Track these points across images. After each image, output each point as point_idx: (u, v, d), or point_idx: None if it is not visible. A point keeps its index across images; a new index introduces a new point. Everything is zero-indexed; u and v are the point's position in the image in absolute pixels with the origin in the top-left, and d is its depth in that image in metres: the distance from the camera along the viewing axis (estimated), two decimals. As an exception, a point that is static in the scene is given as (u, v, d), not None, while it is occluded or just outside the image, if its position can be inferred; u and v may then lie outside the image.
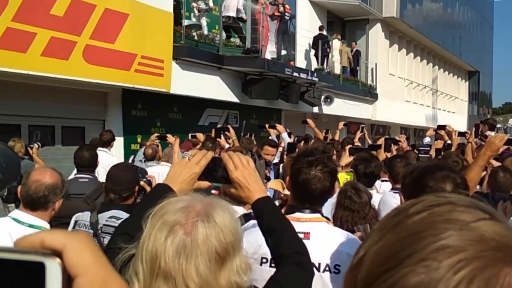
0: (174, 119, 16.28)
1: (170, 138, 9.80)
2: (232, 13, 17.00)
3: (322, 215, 3.26)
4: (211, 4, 17.11)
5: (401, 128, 33.21)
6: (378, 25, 29.83)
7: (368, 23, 29.69)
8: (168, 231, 1.67)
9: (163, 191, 2.18)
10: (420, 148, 9.65)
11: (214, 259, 1.67)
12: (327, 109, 22.33)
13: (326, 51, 22.88)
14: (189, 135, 10.82)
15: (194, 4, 16.89)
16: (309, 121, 11.69)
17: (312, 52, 22.82)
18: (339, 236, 3.16)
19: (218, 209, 1.75)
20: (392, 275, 0.78)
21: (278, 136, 10.48)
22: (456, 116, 43.46)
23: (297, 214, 3.11)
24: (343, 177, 6.42)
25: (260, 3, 18.05)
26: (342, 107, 23.76)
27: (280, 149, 9.39)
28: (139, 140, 14.40)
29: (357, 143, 10.76)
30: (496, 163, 6.64)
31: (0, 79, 10.72)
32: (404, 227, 0.84)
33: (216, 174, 2.37)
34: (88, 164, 6.64)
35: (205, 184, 2.46)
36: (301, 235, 2.80)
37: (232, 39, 17.41)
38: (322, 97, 21.49)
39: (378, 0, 29.39)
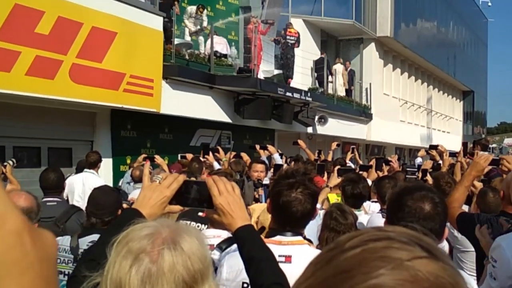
0: (165, 139, 15.98)
1: (158, 159, 9.52)
2: (224, 52, 17.16)
3: (304, 237, 3.22)
4: (205, 23, 16.96)
5: (396, 148, 33.18)
6: (372, 45, 29.86)
7: (362, 42, 29.77)
8: (133, 259, 1.60)
9: (132, 216, 2.05)
10: (408, 169, 9.73)
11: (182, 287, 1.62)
12: (321, 129, 22.13)
13: (322, 70, 23.21)
14: (179, 155, 10.61)
15: (191, 27, 16.85)
16: (300, 142, 11.72)
17: (307, 71, 22.72)
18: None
19: (186, 235, 1.68)
20: None
21: (270, 157, 10.27)
22: (451, 136, 43.61)
23: (278, 237, 3.10)
24: (334, 198, 6.46)
25: (252, 22, 17.94)
26: (336, 127, 23.63)
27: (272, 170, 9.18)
28: (128, 161, 14.09)
29: (349, 164, 10.70)
30: (479, 185, 6.64)
31: (-17, 99, 10.42)
32: (336, 264, 0.82)
33: (188, 198, 2.28)
34: (55, 186, 6.49)
35: (176, 208, 2.32)
36: (282, 259, 2.90)
37: (223, 58, 17.23)
38: (316, 117, 21.32)
39: (372, 19, 29.53)
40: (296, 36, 19.87)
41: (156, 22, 13.54)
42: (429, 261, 0.79)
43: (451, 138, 42.29)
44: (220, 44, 17.09)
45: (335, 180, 6.68)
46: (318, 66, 23.35)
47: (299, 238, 3.15)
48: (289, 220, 3.14)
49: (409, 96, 35.30)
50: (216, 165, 9.46)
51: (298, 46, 20.10)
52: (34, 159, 12.49)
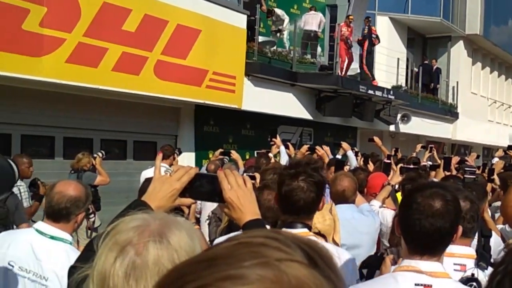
0: (246, 135, 16.23)
1: (234, 154, 9.72)
2: (315, 27, 17.46)
3: (318, 232, 3.27)
4: (285, 23, 17.19)
5: (484, 148, 32.27)
6: (461, 43, 29.19)
7: (450, 40, 29.09)
8: (119, 251, 1.55)
9: (138, 208, 1.97)
10: (466, 169, 9.31)
11: None
12: (404, 128, 21.90)
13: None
14: (255, 152, 10.76)
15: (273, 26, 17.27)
16: (376, 139, 11.53)
17: (391, 69, 22.48)
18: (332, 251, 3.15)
19: (174, 229, 1.61)
20: None
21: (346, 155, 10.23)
22: (544, 137, 41.86)
23: (285, 230, 2.97)
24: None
25: (346, 23, 17.99)
26: (420, 125, 23.27)
27: (347, 168, 9.10)
28: (210, 156, 14.39)
29: (424, 163, 10.49)
30: None
31: (72, 93, 10.96)
32: (211, 251, 0.82)
33: (201, 191, 2.24)
34: None
35: (187, 201, 2.30)
36: None
37: (306, 56, 17.37)
38: (399, 116, 21.09)
39: (460, 17, 28.85)
40: (376, 34, 19.97)
41: (240, 20, 13.81)
42: (301, 266, 0.77)
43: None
44: (312, 23, 17.57)
45: (397, 178, 6.61)
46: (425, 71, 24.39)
47: (305, 230, 3.14)
48: (292, 209, 3.15)
49: (498, 95, 34.23)
50: (283, 149, 9.54)
51: (378, 43, 20.12)
52: (120, 152, 13.00)
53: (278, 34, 17.32)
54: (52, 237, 3.71)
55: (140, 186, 4.74)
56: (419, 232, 2.62)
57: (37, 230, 3.77)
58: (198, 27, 12.45)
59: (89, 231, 9.31)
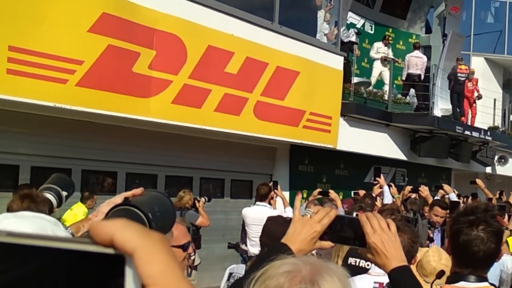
0: (340, 175, 16.24)
1: (332, 193, 9.74)
2: (420, 71, 17.49)
3: (489, 282, 2.97)
4: (390, 55, 17.35)
5: None
6: (561, 81, 28.13)
7: (549, 79, 28.09)
8: None
9: (280, 250, 1.95)
10: None
11: None
12: (501, 170, 21.33)
13: None
14: (352, 192, 10.75)
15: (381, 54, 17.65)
16: (478, 181, 11.32)
17: (487, 110, 22.01)
18: None
19: (325, 274, 1.56)
20: None
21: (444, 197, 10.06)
22: None
23: (462, 283, 2.84)
24: None
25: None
26: (517, 167, 22.48)
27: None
28: (305, 195, 14.45)
29: None
30: None
31: (175, 133, 11.31)
32: None
33: (342, 235, 2.14)
34: None
35: (327, 244, 2.17)
36: None
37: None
38: (496, 157, 20.61)
39: (560, 55, 27.89)
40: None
41: (336, 62, 13.99)
42: None
43: None
44: (417, 66, 17.73)
45: None
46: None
47: (486, 284, 2.89)
48: (470, 261, 2.89)
49: None
50: (386, 189, 9.50)
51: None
52: (218, 190, 13.27)
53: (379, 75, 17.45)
54: None
55: (264, 225, 4.80)
56: None
57: None
58: (296, 68, 12.67)
59: (189, 269, 9.46)
